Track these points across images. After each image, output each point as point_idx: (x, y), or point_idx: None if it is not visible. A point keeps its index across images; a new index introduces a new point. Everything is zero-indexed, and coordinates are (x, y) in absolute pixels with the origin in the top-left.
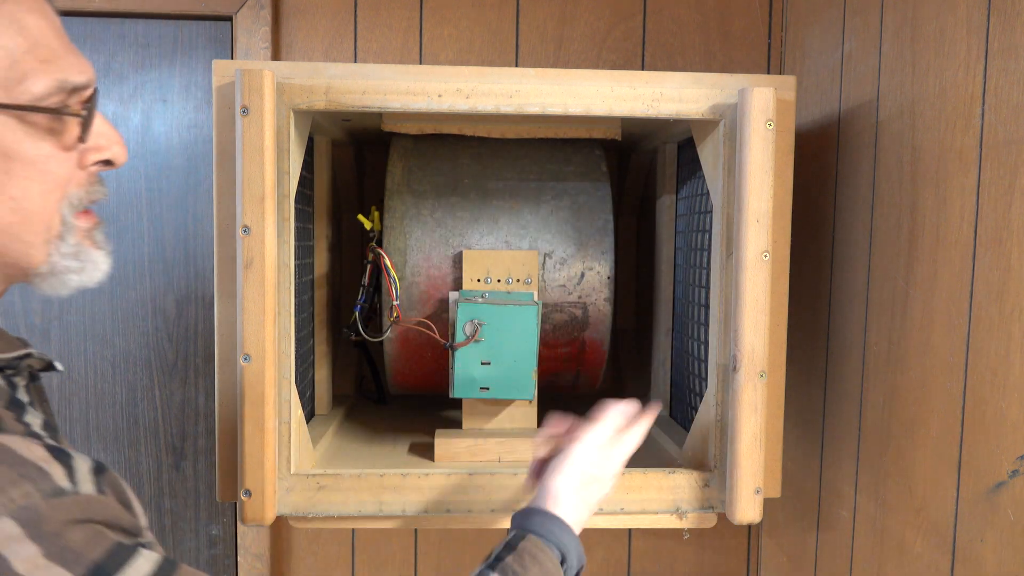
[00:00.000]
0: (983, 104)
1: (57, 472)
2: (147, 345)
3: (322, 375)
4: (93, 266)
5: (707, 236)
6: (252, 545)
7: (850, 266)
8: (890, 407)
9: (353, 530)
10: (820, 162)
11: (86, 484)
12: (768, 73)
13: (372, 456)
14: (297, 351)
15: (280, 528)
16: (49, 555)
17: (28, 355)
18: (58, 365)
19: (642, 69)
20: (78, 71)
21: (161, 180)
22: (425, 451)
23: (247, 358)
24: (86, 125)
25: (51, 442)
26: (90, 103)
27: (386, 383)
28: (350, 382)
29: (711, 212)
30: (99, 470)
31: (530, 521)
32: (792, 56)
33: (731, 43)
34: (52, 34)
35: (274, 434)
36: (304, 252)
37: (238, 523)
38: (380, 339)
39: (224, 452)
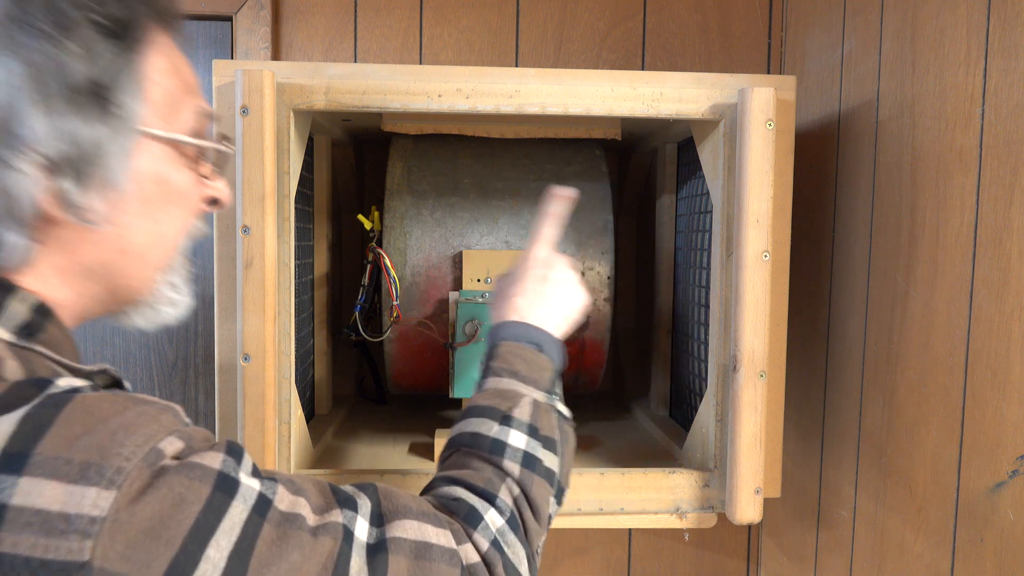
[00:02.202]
0: (983, 104)
1: (179, 409)
2: (147, 345)
3: (322, 375)
4: (184, 301)
5: (707, 236)
6: None
7: (850, 266)
8: (890, 407)
9: None
10: (820, 162)
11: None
12: (768, 73)
13: (372, 456)
14: (297, 351)
15: None
16: (214, 447)
17: (104, 371)
18: (126, 384)
19: (642, 69)
20: (206, 102)
21: None
22: (425, 451)
23: (247, 358)
24: (223, 156)
25: None
26: (228, 139)
27: (386, 383)
28: (350, 382)
29: (711, 212)
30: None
31: (498, 333)
32: (792, 56)
33: (731, 43)
34: (189, 67)
35: (274, 434)
36: (304, 252)
37: None
38: (380, 339)
39: None
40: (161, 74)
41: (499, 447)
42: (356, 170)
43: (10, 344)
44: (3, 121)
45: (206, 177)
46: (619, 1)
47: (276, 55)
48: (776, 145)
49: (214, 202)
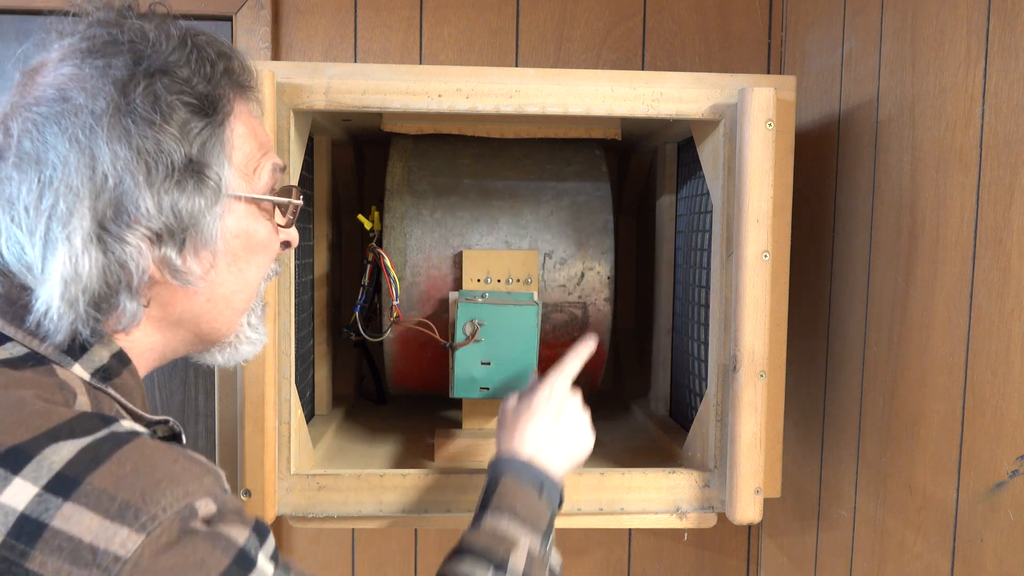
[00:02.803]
0: (983, 104)
1: (222, 475)
2: None
3: (322, 375)
4: (261, 339)
5: (707, 236)
6: None
7: (850, 266)
8: (890, 407)
9: (353, 530)
10: (820, 162)
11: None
12: (768, 73)
13: (372, 456)
14: (297, 351)
15: (280, 528)
16: (243, 522)
17: (166, 422)
18: (183, 439)
19: (642, 69)
20: (277, 156)
21: None
22: (425, 451)
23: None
24: (297, 209)
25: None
26: (298, 189)
27: (386, 383)
28: (350, 382)
29: (711, 212)
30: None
31: (503, 466)
32: (792, 56)
33: (731, 43)
34: (263, 128)
35: (274, 434)
36: (304, 252)
37: None
38: (380, 339)
39: (224, 452)
40: (242, 139)
41: None
42: (356, 170)
43: (86, 383)
44: (117, 202)
45: (281, 226)
46: (619, 1)
47: (276, 55)
48: (776, 145)
49: (286, 244)
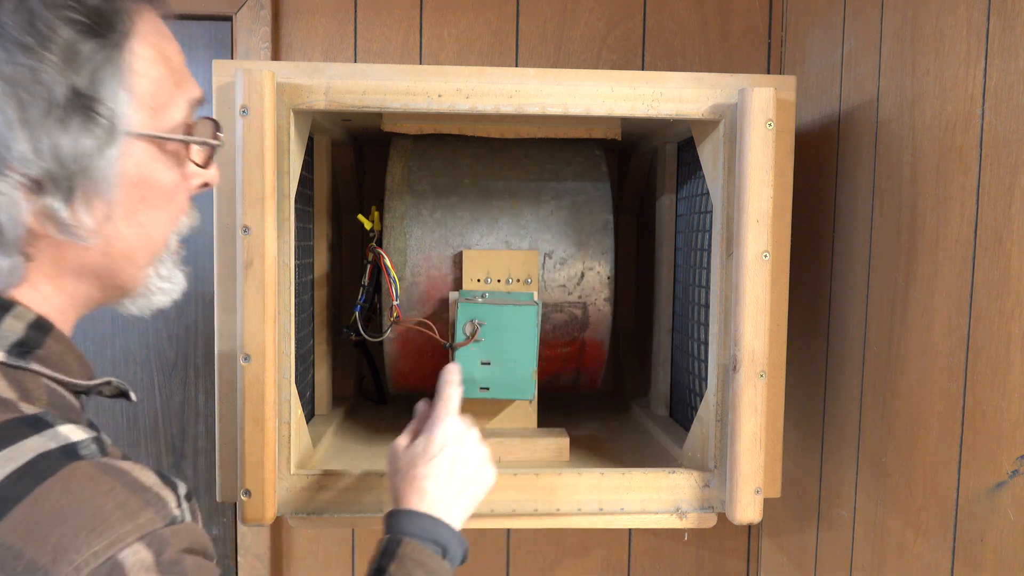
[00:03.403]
0: (983, 104)
1: (171, 499)
2: (147, 345)
3: (322, 375)
4: (174, 288)
5: (707, 236)
6: (252, 545)
7: (850, 266)
8: (890, 407)
9: (353, 530)
10: (820, 162)
11: (186, 512)
12: (768, 73)
13: (372, 456)
14: (297, 351)
15: (280, 528)
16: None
17: (108, 383)
18: (132, 396)
19: (642, 69)
20: (195, 86)
21: None
22: None
23: (247, 358)
24: (212, 151)
25: (156, 468)
26: (217, 124)
27: (386, 383)
28: (350, 382)
29: (711, 212)
30: (189, 496)
31: (400, 524)
32: (792, 56)
33: (731, 43)
34: (176, 48)
35: (274, 434)
36: (304, 252)
37: (238, 523)
38: (380, 339)
39: (224, 452)
40: (148, 64)
41: None
42: (356, 170)
43: (2, 364)
44: None
45: (197, 164)
46: (619, 1)
47: (276, 55)
48: (776, 145)
49: (204, 185)
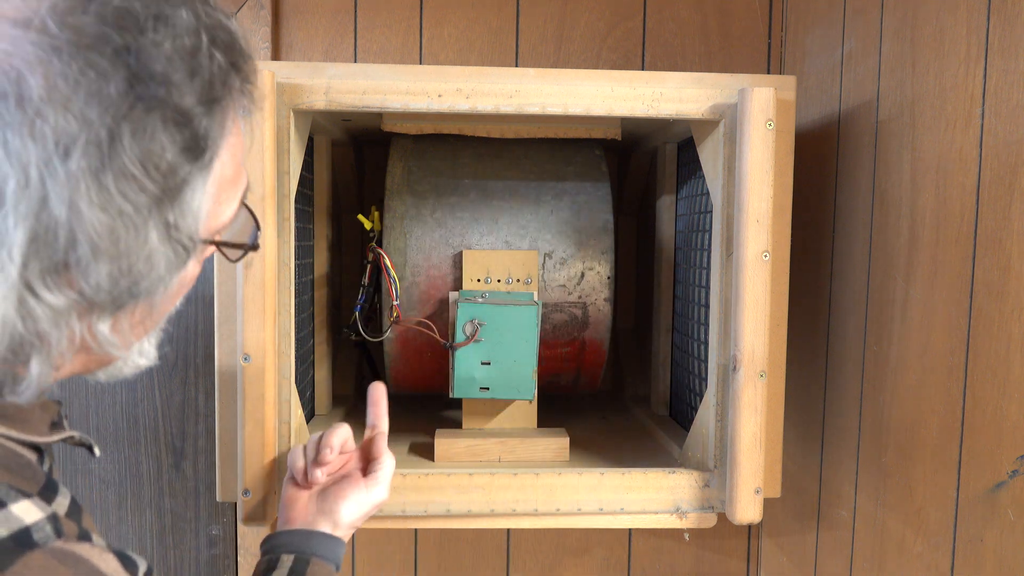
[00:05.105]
0: (983, 104)
1: None
2: None
3: (322, 375)
4: (149, 361)
5: (707, 236)
6: (252, 545)
7: (850, 266)
8: (890, 407)
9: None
10: (820, 162)
11: None
12: (768, 73)
13: None
14: (297, 351)
15: None
16: None
17: (69, 438)
18: (96, 451)
19: (642, 69)
20: (245, 173)
21: None
22: (425, 451)
23: (247, 358)
24: (245, 251)
25: (115, 548)
26: (256, 221)
27: (386, 383)
28: (350, 382)
29: (711, 212)
30: (149, 574)
31: (311, 544)
32: (792, 56)
33: (731, 43)
34: (241, 132)
35: (274, 434)
36: (304, 252)
37: (238, 523)
38: (380, 339)
39: (224, 452)
40: (223, 167)
41: None
42: (356, 170)
43: None
44: (59, 264)
45: (229, 260)
46: (619, 1)
47: (276, 55)
48: (776, 145)
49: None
